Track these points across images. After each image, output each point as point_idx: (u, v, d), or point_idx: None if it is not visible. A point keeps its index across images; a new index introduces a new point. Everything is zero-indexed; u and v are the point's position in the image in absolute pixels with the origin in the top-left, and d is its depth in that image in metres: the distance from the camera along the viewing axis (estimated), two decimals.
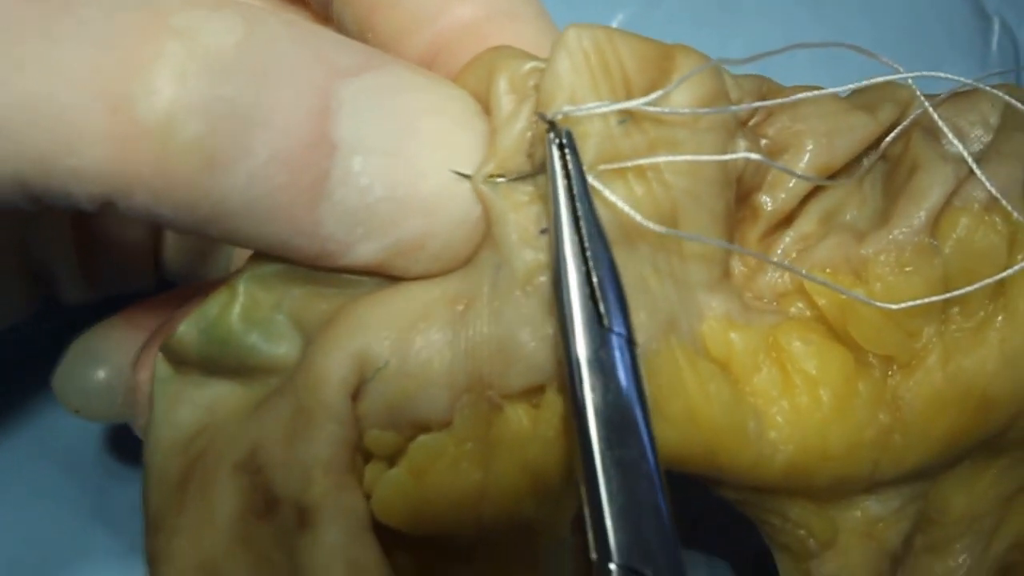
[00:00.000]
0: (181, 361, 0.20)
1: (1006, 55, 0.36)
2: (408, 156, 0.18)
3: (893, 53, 0.37)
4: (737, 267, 0.21)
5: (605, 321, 0.17)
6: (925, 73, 0.22)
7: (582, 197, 0.18)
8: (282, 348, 0.20)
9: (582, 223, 0.18)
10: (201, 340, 0.20)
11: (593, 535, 0.17)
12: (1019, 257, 0.19)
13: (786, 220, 0.21)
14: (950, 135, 0.20)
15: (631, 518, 0.17)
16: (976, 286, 0.19)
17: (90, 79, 0.17)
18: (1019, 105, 0.21)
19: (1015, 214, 0.19)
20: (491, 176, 0.19)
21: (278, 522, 0.18)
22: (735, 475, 0.20)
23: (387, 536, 0.19)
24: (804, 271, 0.20)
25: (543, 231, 0.19)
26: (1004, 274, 0.19)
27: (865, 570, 0.22)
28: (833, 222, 0.21)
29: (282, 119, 0.17)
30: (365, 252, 0.19)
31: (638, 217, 0.18)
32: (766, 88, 0.21)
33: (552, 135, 0.18)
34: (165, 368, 0.20)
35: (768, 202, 0.21)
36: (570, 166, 0.18)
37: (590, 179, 0.18)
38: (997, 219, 0.20)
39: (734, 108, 0.20)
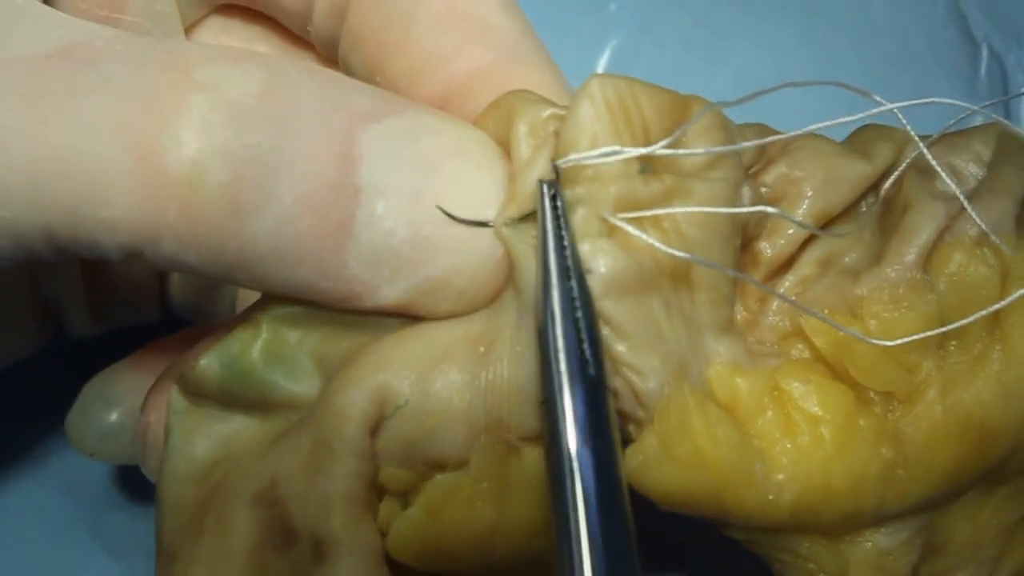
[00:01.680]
0: (199, 394, 0.21)
1: (994, 80, 0.37)
2: (431, 198, 0.19)
3: (881, 78, 0.38)
4: (740, 313, 0.22)
5: (591, 369, 0.18)
6: (916, 101, 0.22)
7: (558, 248, 0.18)
8: (303, 385, 0.20)
9: (571, 272, 0.18)
10: (223, 374, 0.20)
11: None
12: (1012, 290, 0.20)
13: (785, 265, 0.22)
14: (944, 175, 0.20)
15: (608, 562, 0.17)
16: (969, 319, 0.20)
17: (117, 131, 0.17)
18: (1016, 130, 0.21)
19: (1006, 249, 0.20)
20: (512, 219, 0.19)
21: (295, 554, 0.19)
22: (743, 517, 0.20)
23: (398, 571, 0.20)
24: (804, 306, 0.20)
25: None
26: (996, 307, 0.20)
27: None
28: (832, 266, 0.22)
29: (306, 164, 0.18)
30: (391, 293, 0.19)
31: (666, 249, 0.19)
32: (766, 136, 0.22)
33: (545, 187, 0.19)
34: (181, 401, 0.21)
35: (768, 248, 0.22)
36: (559, 217, 0.19)
37: (616, 220, 0.19)
38: (989, 253, 0.21)
39: (739, 146, 0.20)
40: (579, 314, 0.18)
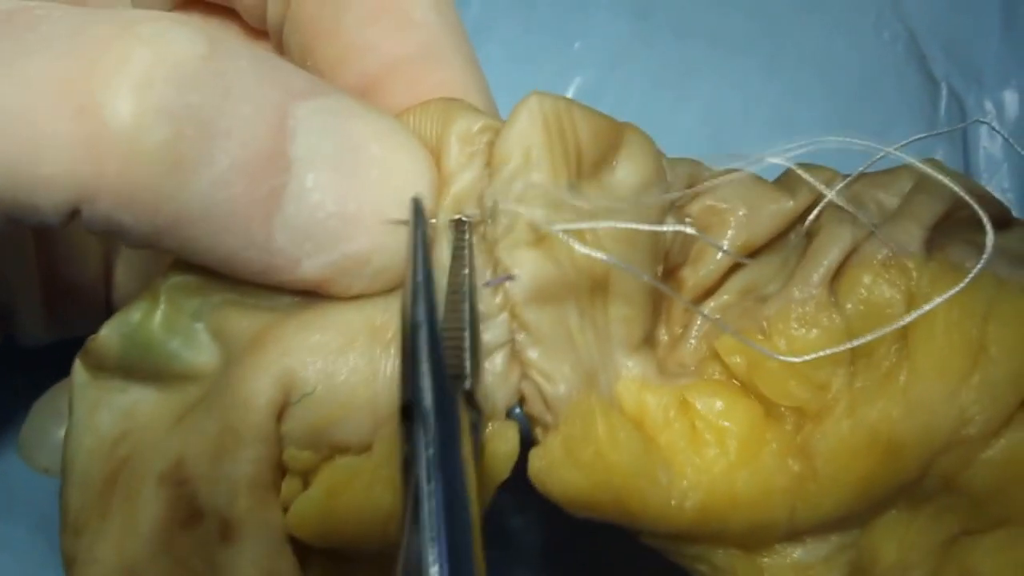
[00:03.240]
0: (100, 367, 0.22)
1: (954, 118, 0.38)
2: (358, 176, 0.20)
3: (846, 114, 0.40)
4: (662, 336, 0.23)
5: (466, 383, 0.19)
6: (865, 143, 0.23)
7: (422, 260, 0.19)
8: (202, 357, 0.21)
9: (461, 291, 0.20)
10: (123, 345, 0.21)
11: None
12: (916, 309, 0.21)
13: (707, 292, 0.23)
14: (847, 206, 0.21)
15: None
16: (873, 336, 0.21)
17: (55, 86, 0.17)
18: (929, 172, 0.22)
19: (912, 266, 0.21)
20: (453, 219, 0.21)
21: (200, 532, 0.20)
22: (648, 522, 0.21)
23: (300, 547, 0.21)
24: (719, 322, 0.22)
25: (487, 284, 0.21)
26: (899, 324, 0.21)
27: None
28: (752, 294, 0.23)
29: (243, 130, 0.19)
30: (311, 267, 0.20)
31: (600, 255, 0.20)
32: (697, 172, 0.24)
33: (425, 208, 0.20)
34: (83, 374, 0.22)
35: (690, 276, 0.23)
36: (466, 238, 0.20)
37: (555, 228, 0.20)
38: (896, 275, 0.22)
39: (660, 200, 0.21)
40: (466, 331, 0.19)
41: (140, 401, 0.21)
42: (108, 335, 0.21)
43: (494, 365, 0.21)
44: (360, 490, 0.20)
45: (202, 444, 0.20)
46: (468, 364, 0.19)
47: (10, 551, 0.31)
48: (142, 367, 0.21)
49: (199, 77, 0.18)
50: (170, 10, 0.28)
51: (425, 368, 0.18)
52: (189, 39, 0.19)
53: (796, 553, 0.23)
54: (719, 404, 0.22)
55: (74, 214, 0.18)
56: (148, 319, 0.21)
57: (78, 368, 0.22)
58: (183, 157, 0.18)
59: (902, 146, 0.24)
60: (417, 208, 0.20)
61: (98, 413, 0.21)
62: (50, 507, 0.31)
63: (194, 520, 0.20)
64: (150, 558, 0.20)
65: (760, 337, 0.22)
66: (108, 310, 0.29)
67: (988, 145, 0.38)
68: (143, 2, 0.27)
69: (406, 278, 0.19)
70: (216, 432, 0.20)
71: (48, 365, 0.27)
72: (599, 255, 0.20)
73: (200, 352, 0.21)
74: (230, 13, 0.28)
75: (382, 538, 0.21)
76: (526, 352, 0.21)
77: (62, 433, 0.25)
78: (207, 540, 0.20)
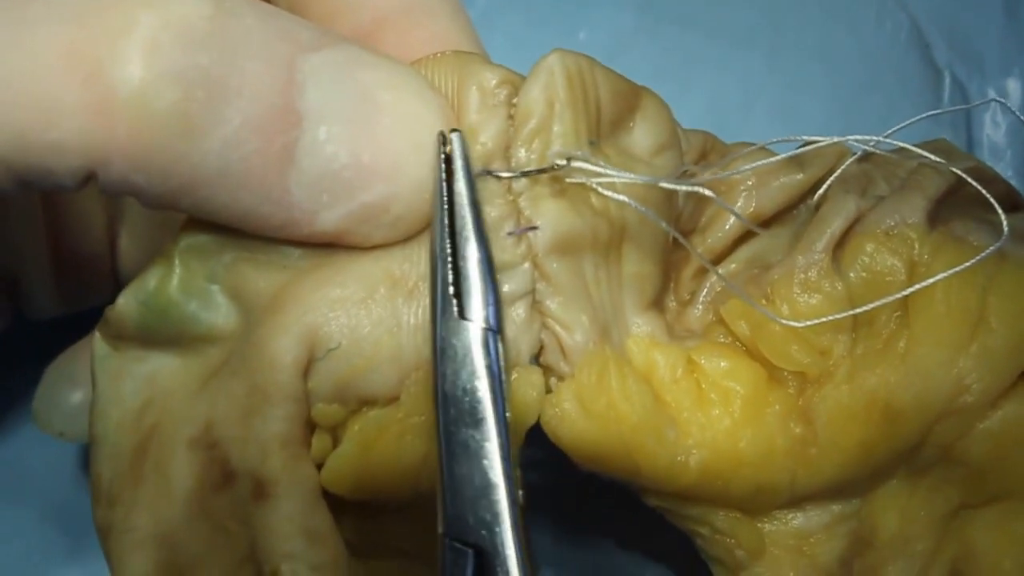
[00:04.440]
0: (119, 336, 0.22)
1: (956, 106, 0.39)
2: (370, 125, 0.20)
3: (848, 105, 0.40)
4: (670, 302, 0.24)
5: (467, 313, 0.19)
6: (862, 137, 0.24)
7: (469, 199, 0.20)
8: (220, 318, 0.21)
9: (465, 221, 0.20)
10: (141, 312, 0.21)
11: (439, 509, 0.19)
12: (917, 281, 0.21)
13: (716, 260, 0.24)
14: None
15: (464, 496, 0.18)
16: (873, 305, 0.21)
17: (63, 53, 0.18)
18: (927, 155, 0.22)
19: (914, 237, 0.21)
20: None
21: (234, 494, 0.20)
22: (653, 477, 0.22)
23: (332, 500, 0.21)
24: (728, 281, 0.22)
25: (510, 233, 0.21)
26: (902, 293, 0.21)
27: None
28: (758, 263, 0.24)
29: (252, 88, 0.19)
30: (329, 219, 0.20)
31: (624, 199, 0.20)
32: (710, 143, 0.24)
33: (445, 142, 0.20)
34: (103, 346, 0.22)
35: (699, 243, 0.24)
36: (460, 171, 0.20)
37: (585, 180, 0.20)
38: (898, 244, 0.22)
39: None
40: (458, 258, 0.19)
41: (162, 368, 0.22)
42: (126, 303, 0.21)
43: (517, 314, 0.21)
44: (391, 441, 0.21)
45: (230, 406, 0.20)
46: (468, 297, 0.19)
47: (19, 535, 0.31)
48: (161, 333, 0.21)
49: (205, 37, 0.18)
50: None
51: (440, 308, 0.19)
52: (193, 0, 0.19)
53: (797, 520, 0.23)
54: (724, 364, 0.22)
55: (89, 178, 0.19)
56: (164, 284, 0.21)
57: (98, 340, 0.22)
58: (194, 118, 0.18)
59: (906, 125, 0.24)
60: (458, 142, 0.20)
61: (121, 383, 0.22)
62: (59, 493, 0.32)
63: (227, 482, 0.20)
64: (186, 522, 0.20)
65: (763, 302, 0.22)
66: (114, 281, 0.29)
67: (991, 132, 0.38)
68: None
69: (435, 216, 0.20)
70: (244, 393, 0.20)
71: (55, 343, 0.28)
72: (623, 198, 0.20)
73: (218, 313, 0.21)
74: None
75: (415, 486, 0.21)
76: (545, 302, 0.21)
77: (76, 397, 0.26)
78: (241, 501, 0.20)
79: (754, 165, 0.22)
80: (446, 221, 0.20)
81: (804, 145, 0.22)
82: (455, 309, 0.19)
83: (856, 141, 0.23)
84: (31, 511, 0.32)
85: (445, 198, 0.20)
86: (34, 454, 0.32)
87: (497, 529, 0.18)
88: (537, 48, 0.39)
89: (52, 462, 0.32)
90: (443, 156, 0.20)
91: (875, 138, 0.23)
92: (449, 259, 0.20)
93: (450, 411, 0.19)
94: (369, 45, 0.22)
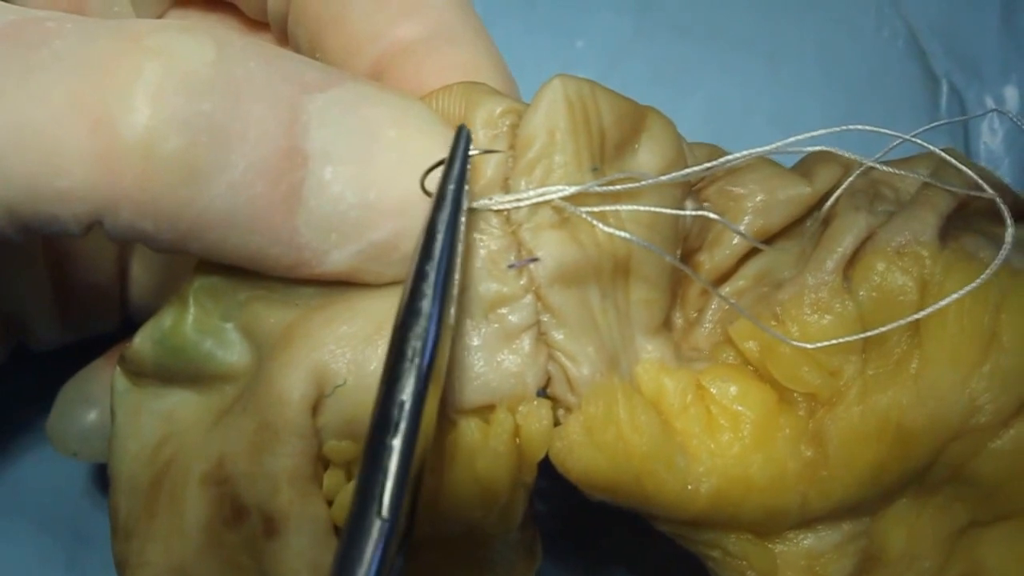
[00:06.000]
0: (139, 373, 0.22)
1: (954, 114, 0.39)
2: (376, 163, 0.20)
3: (846, 111, 0.40)
4: (678, 320, 0.23)
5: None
6: (865, 127, 0.23)
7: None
8: (234, 355, 0.21)
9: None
10: (157, 351, 0.22)
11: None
12: (931, 298, 0.21)
13: (723, 277, 0.24)
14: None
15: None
16: (887, 327, 0.21)
17: (70, 102, 0.18)
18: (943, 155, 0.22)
19: (926, 255, 0.21)
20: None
21: (246, 529, 0.20)
22: (663, 505, 0.21)
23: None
24: (735, 305, 0.22)
25: (511, 266, 0.21)
26: (916, 316, 0.21)
27: None
28: (767, 280, 0.24)
29: (257, 131, 0.19)
30: (339, 258, 0.20)
31: (624, 235, 0.20)
32: (715, 157, 0.24)
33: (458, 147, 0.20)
34: (123, 382, 0.22)
35: (707, 260, 0.23)
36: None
37: (581, 211, 0.20)
38: (910, 263, 0.22)
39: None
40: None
41: (180, 404, 0.22)
42: (141, 343, 0.22)
43: (522, 347, 0.21)
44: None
45: (240, 443, 0.20)
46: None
47: (16, 546, 0.32)
48: (178, 371, 0.22)
49: (209, 84, 0.19)
50: (165, 11, 0.28)
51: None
52: (197, 46, 0.19)
53: (808, 540, 0.23)
54: (733, 389, 0.22)
55: (94, 224, 0.19)
56: (179, 323, 0.21)
57: (118, 375, 0.22)
58: (199, 164, 0.19)
59: (909, 138, 0.24)
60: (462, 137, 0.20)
61: (140, 418, 0.22)
62: (57, 506, 0.32)
63: (238, 517, 0.20)
64: (198, 557, 0.20)
65: (773, 323, 0.22)
66: (124, 308, 0.29)
67: (989, 140, 0.38)
68: (143, 13, 0.27)
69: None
70: (253, 430, 0.20)
71: (59, 368, 0.28)
72: (623, 235, 0.20)
73: (232, 351, 0.21)
74: (228, 6, 0.28)
75: (427, 522, 0.21)
76: (551, 334, 0.21)
77: (90, 417, 0.26)
78: (252, 536, 0.20)
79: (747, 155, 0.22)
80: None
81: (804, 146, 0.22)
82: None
83: (856, 130, 0.23)
84: (31, 525, 0.32)
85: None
86: (37, 473, 0.32)
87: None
88: (536, 56, 0.39)
89: (57, 483, 0.32)
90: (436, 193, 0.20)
91: (872, 129, 0.23)
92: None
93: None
94: (379, 81, 0.22)
